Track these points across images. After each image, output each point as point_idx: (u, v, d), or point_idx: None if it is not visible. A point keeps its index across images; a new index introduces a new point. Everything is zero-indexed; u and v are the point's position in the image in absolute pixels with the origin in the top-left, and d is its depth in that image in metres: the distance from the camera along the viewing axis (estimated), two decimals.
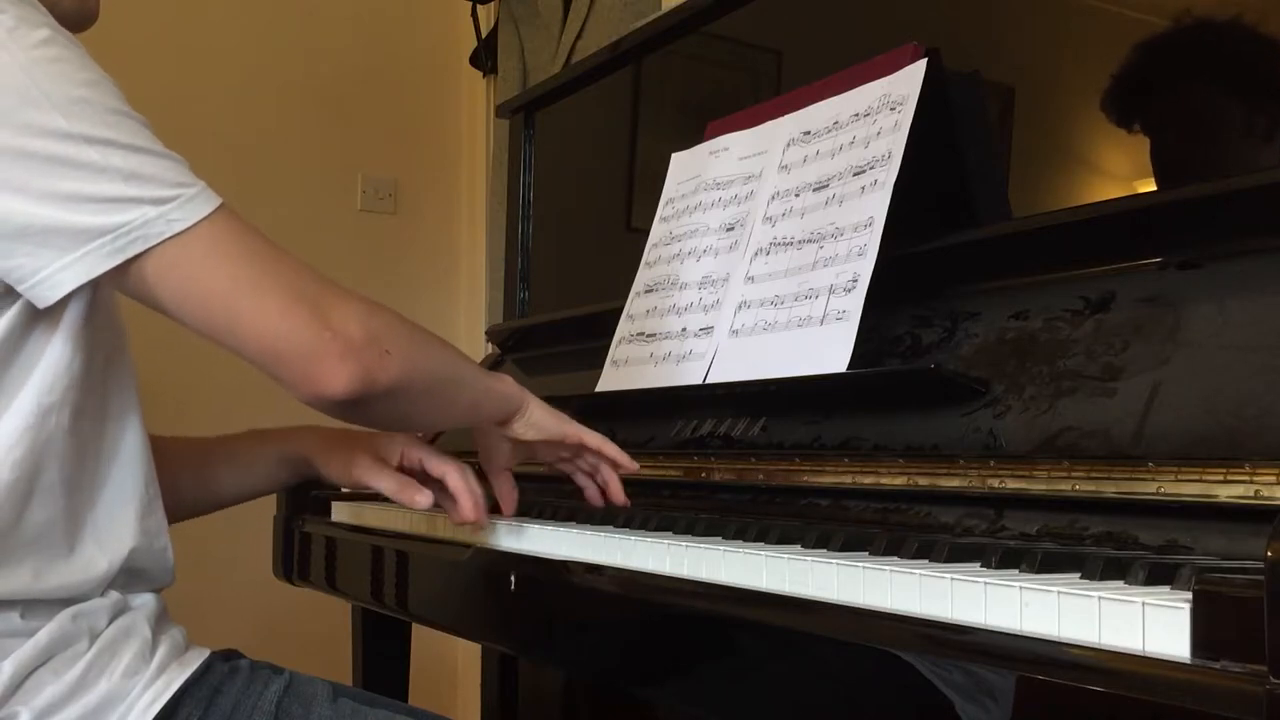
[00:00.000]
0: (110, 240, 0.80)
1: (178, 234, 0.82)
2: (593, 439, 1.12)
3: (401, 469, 1.12)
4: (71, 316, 0.86)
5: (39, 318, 0.85)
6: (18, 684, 0.83)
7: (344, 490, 1.50)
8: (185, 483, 1.15)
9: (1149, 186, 1.03)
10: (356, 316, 0.88)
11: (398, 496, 1.09)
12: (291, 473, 1.22)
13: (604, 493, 1.16)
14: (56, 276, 0.81)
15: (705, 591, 0.88)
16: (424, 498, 1.08)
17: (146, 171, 0.82)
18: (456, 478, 1.10)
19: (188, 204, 0.83)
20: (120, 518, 0.92)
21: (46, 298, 0.81)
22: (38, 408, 0.85)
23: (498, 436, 1.12)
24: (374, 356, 0.88)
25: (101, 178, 0.80)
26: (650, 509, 1.14)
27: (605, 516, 1.14)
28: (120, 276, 0.83)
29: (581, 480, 1.17)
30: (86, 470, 0.89)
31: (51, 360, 0.85)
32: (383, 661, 1.67)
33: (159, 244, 0.82)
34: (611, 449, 1.13)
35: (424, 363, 0.95)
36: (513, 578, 1.08)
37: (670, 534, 1.01)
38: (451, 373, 1.01)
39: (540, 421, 1.09)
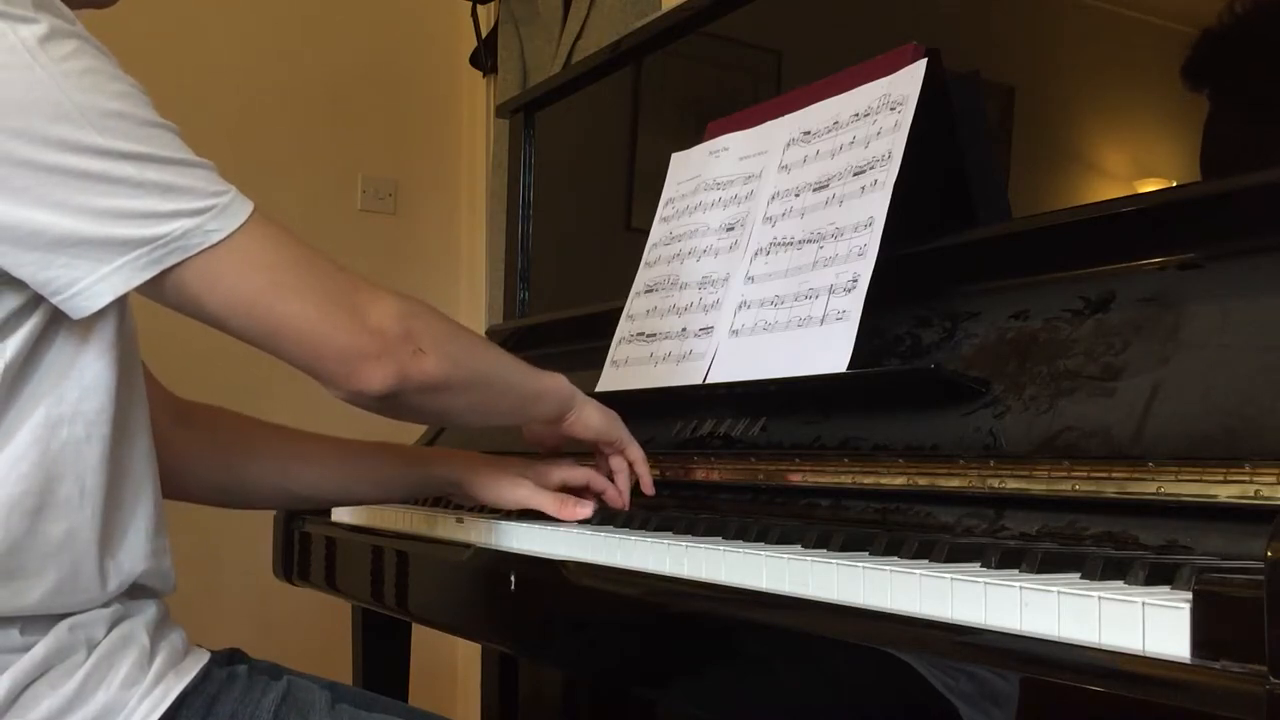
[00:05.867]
0: (148, 252, 0.81)
1: (215, 244, 0.83)
2: (635, 451, 1.16)
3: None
4: (95, 328, 0.85)
5: (61, 329, 0.84)
6: (15, 697, 0.82)
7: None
8: (299, 473, 1.18)
9: (1149, 186, 1.03)
10: (393, 315, 0.91)
11: (560, 513, 1.14)
12: (432, 492, 1.25)
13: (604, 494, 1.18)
14: (94, 288, 0.80)
15: (705, 592, 0.88)
16: (585, 509, 1.13)
17: (182, 184, 0.82)
18: (599, 480, 1.17)
19: (223, 213, 0.83)
20: (133, 537, 0.91)
21: (83, 309, 0.81)
22: (46, 419, 0.84)
23: (546, 429, 1.16)
24: (409, 354, 0.91)
25: (138, 193, 0.80)
26: (650, 509, 1.14)
27: (605, 516, 1.14)
28: (157, 287, 0.83)
29: (602, 480, 1.18)
30: (108, 484, 0.88)
31: (70, 373, 0.85)
32: (383, 661, 1.67)
33: (197, 254, 0.82)
34: (644, 469, 1.16)
35: (464, 360, 0.98)
36: (513, 578, 1.08)
37: (670, 534, 1.01)
38: (494, 371, 1.04)
39: (592, 421, 1.13)
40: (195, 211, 0.82)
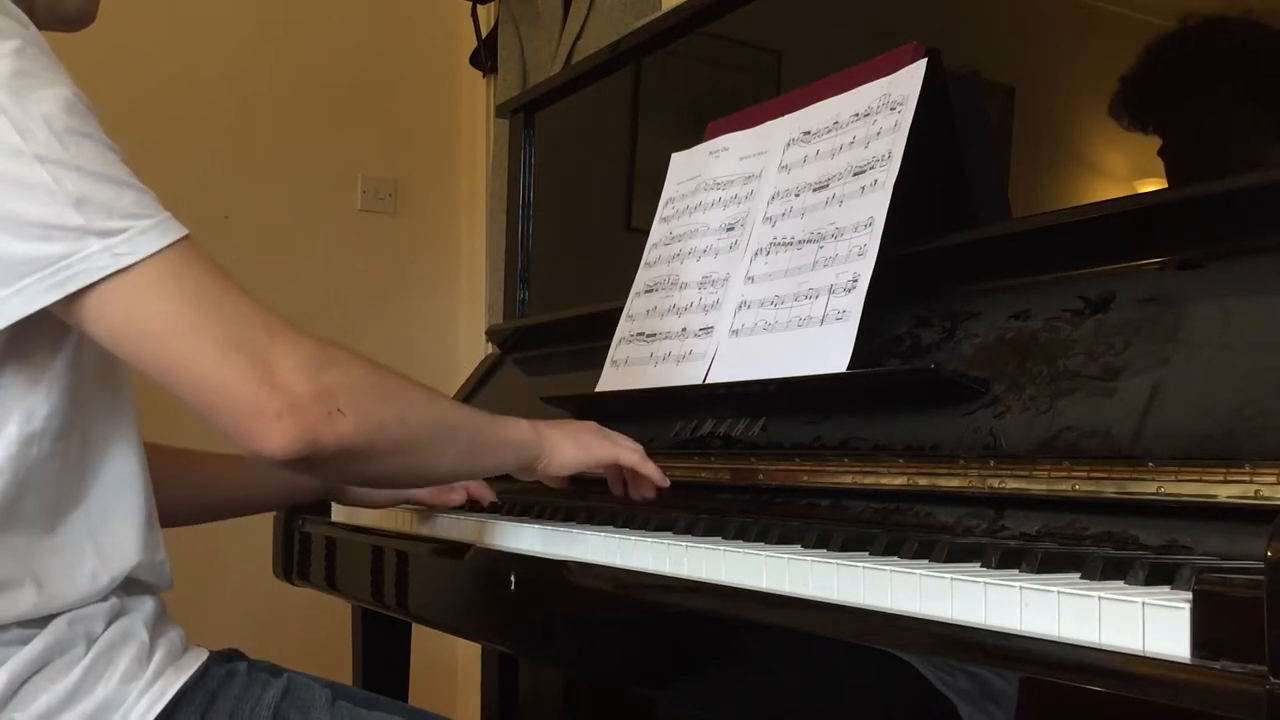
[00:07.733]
0: (50, 274, 0.75)
1: (122, 269, 0.76)
2: (629, 458, 1.08)
3: None
4: (61, 342, 0.84)
5: (19, 343, 0.82)
6: (14, 690, 0.82)
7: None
8: (184, 493, 1.15)
9: (1149, 186, 1.03)
10: (306, 369, 0.80)
11: (435, 500, 1.15)
12: (309, 498, 1.25)
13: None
14: None
15: (705, 591, 0.88)
16: (458, 495, 1.15)
17: (99, 199, 0.76)
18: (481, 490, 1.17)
19: (137, 237, 0.77)
20: (122, 536, 0.90)
21: None
22: (20, 436, 0.82)
23: (523, 474, 1.08)
24: (319, 415, 0.80)
25: (49, 200, 0.75)
26: (650, 509, 1.14)
27: (605, 517, 1.14)
28: (65, 308, 0.78)
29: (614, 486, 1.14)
30: (69, 495, 0.87)
31: (36, 388, 0.83)
32: (383, 661, 1.67)
33: (102, 279, 0.76)
34: (649, 468, 1.09)
35: (391, 423, 0.87)
36: (512, 578, 1.08)
37: (670, 534, 1.01)
38: (432, 430, 0.93)
39: (567, 462, 1.06)
40: (105, 231, 0.76)
